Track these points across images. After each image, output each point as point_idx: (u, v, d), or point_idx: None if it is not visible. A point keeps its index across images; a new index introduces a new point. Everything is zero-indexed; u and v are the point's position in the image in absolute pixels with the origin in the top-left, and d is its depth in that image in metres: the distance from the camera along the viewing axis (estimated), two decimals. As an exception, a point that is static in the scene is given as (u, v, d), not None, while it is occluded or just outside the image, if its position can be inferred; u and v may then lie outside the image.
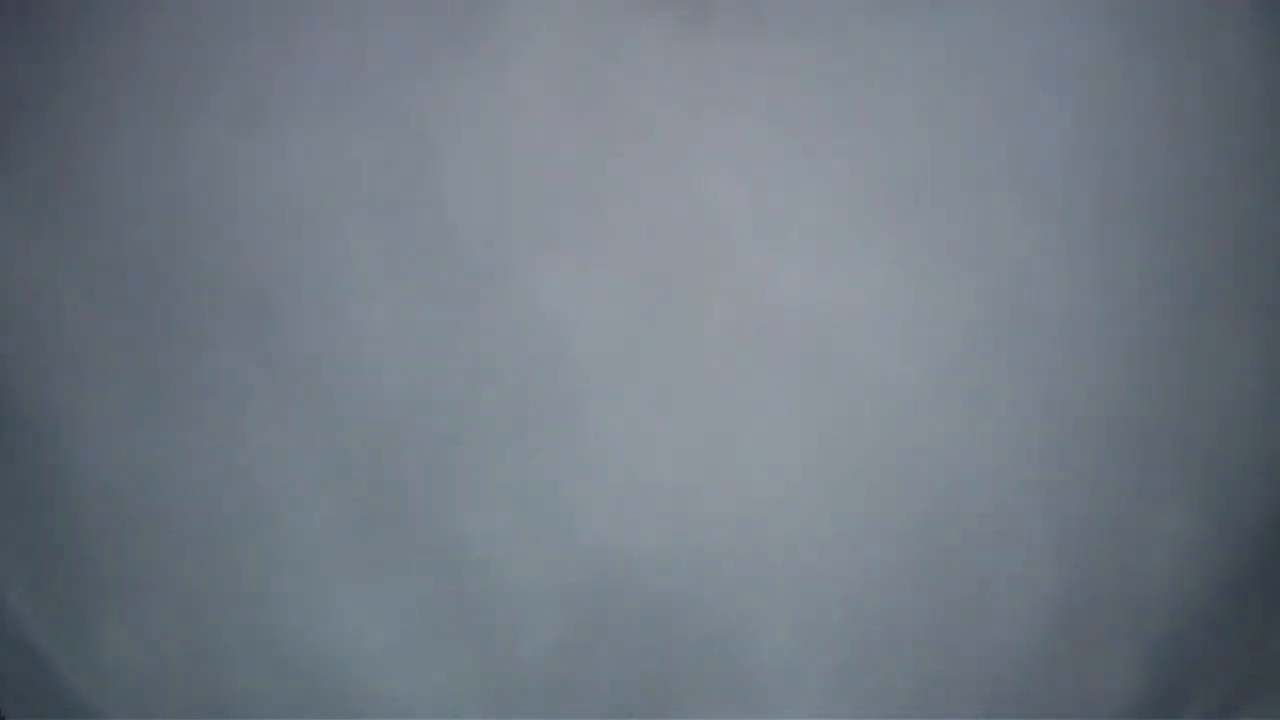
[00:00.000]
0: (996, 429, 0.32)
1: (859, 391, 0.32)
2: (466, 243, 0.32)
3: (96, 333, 0.33)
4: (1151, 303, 0.32)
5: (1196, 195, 0.33)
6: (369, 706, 0.32)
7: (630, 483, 0.32)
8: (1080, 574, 0.32)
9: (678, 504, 0.32)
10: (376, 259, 0.32)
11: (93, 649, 0.33)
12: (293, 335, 0.32)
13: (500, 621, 0.32)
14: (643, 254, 0.32)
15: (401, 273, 0.32)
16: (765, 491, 0.32)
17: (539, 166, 0.32)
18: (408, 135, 0.32)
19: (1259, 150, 0.33)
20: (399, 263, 0.32)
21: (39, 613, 0.33)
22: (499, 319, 0.32)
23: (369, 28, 0.33)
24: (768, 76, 0.32)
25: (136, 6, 0.33)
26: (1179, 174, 0.33)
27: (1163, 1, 0.33)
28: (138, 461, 0.33)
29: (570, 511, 0.32)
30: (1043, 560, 0.32)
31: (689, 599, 0.32)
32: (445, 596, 0.32)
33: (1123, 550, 0.32)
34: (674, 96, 0.32)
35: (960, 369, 0.32)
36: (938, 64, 0.32)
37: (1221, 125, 0.33)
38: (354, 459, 0.32)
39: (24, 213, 0.33)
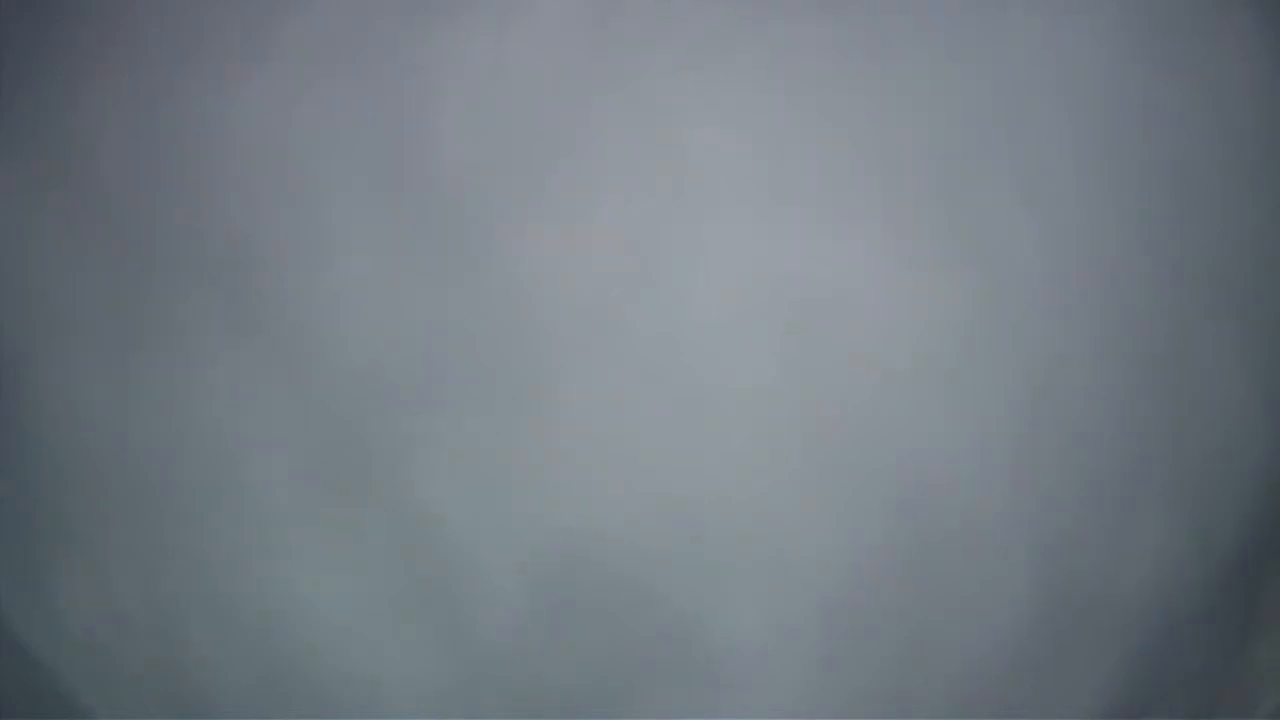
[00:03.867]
0: (981, 426, 0.32)
1: (843, 377, 0.31)
2: (453, 204, 0.32)
3: (71, 276, 0.33)
4: (1142, 308, 0.32)
5: (1190, 204, 0.33)
6: (324, 674, 0.32)
7: (603, 459, 0.31)
8: (1059, 576, 0.32)
9: (650, 483, 0.31)
10: (359, 217, 0.32)
11: (47, 603, 0.33)
12: (269, 290, 0.32)
13: (461, 595, 0.32)
14: (631, 223, 0.31)
15: (384, 233, 0.32)
16: (742, 476, 0.31)
17: (532, 130, 0.32)
18: (399, 93, 0.32)
19: (1255, 160, 0.33)
20: (382, 223, 0.32)
21: None
22: (480, 284, 0.31)
23: None
24: (768, 46, 0.32)
25: None
26: (1175, 180, 0.32)
27: (1166, 12, 0.33)
28: (103, 413, 0.32)
29: (540, 486, 0.31)
30: (1022, 560, 0.32)
31: (658, 582, 0.31)
32: (407, 566, 0.32)
33: (1102, 558, 0.32)
34: (673, 64, 0.32)
35: (947, 361, 0.31)
36: (943, 48, 0.32)
37: (1220, 136, 0.33)
38: (322, 422, 0.32)
39: (4, 153, 0.33)
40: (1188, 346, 0.32)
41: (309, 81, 0.32)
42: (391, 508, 0.32)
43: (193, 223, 0.32)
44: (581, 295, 0.31)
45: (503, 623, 0.32)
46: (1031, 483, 0.32)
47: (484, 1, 0.32)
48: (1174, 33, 0.33)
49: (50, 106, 0.33)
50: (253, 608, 0.32)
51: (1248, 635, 0.33)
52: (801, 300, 0.31)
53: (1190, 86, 0.33)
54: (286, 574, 0.32)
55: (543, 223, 0.31)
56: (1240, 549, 0.33)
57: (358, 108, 0.32)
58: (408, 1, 0.32)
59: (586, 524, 0.32)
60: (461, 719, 0.32)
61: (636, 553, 0.32)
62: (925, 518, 0.32)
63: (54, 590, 0.33)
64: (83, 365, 0.32)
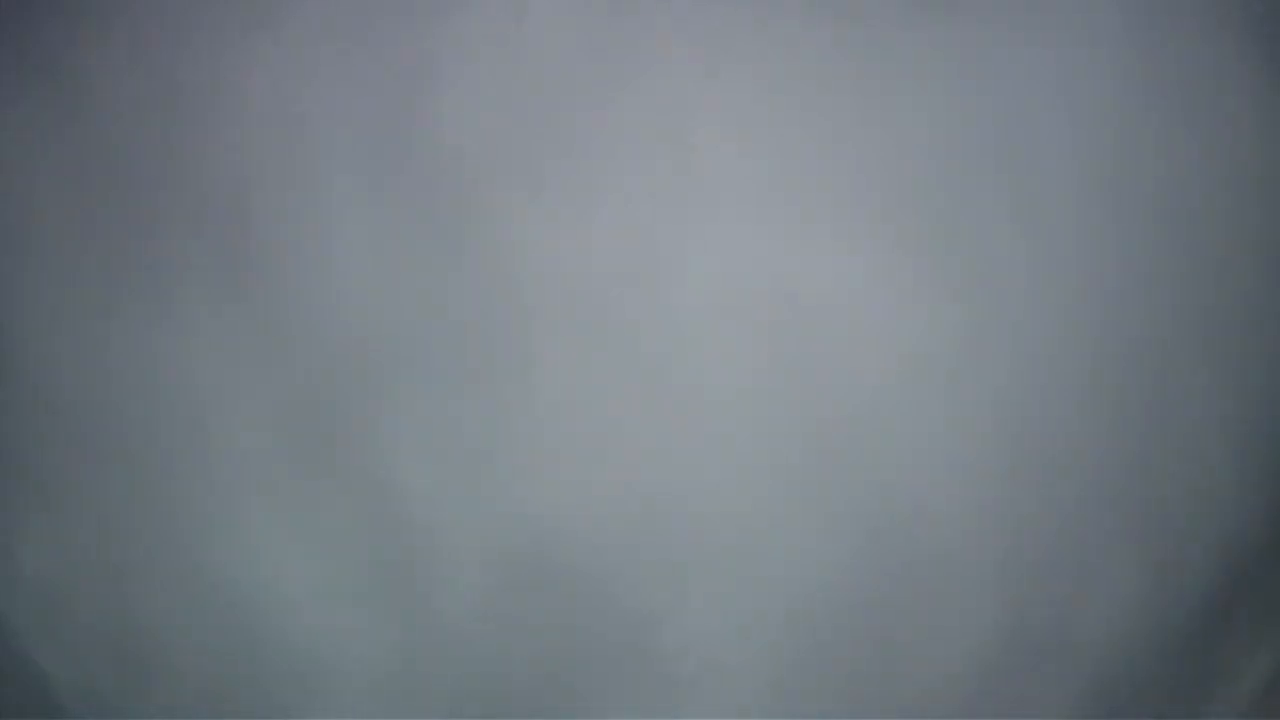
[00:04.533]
0: (961, 450, 0.32)
1: (825, 390, 0.31)
2: (452, 180, 0.31)
3: (60, 226, 0.32)
4: (1128, 346, 0.32)
5: (1179, 232, 0.32)
6: (276, 643, 0.32)
7: (577, 451, 0.31)
8: (1026, 606, 0.32)
9: (622, 479, 0.31)
10: (358, 185, 0.31)
11: (7, 556, 0.32)
12: (258, 258, 0.31)
13: (421, 574, 0.32)
14: (628, 212, 0.31)
15: (382, 204, 0.31)
16: (716, 477, 0.31)
17: (534, 119, 0.31)
18: (411, 66, 0.32)
19: (1252, 198, 0.33)
20: (381, 193, 0.31)
21: None
22: (471, 268, 0.31)
23: None
24: (781, 49, 0.32)
25: None
26: (1168, 211, 0.32)
27: (1164, 31, 0.33)
28: (76, 361, 0.32)
29: (511, 471, 0.31)
30: (990, 586, 0.32)
31: (620, 578, 0.31)
32: (369, 543, 0.32)
33: (1069, 591, 0.32)
34: (685, 58, 0.32)
35: (931, 382, 0.31)
36: (947, 65, 0.32)
37: (1218, 168, 0.33)
38: (297, 390, 0.31)
39: (16, 91, 0.33)
40: (1168, 389, 0.32)
41: (318, 55, 0.32)
42: (359, 483, 0.31)
43: (188, 184, 0.32)
44: (571, 286, 0.31)
45: (461, 607, 0.32)
46: (1005, 511, 0.32)
47: None
48: (1172, 54, 0.33)
49: (55, 55, 0.33)
50: (213, 573, 0.32)
51: (1208, 679, 0.33)
52: (789, 308, 0.31)
53: (1189, 118, 0.33)
54: (249, 540, 0.32)
55: (539, 212, 0.31)
56: (1205, 594, 0.33)
57: (364, 85, 0.32)
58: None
59: (555, 515, 0.31)
60: (409, 699, 0.32)
61: (601, 547, 0.31)
62: (898, 536, 0.31)
63: (12, 542, 0.32)
64: (61, 316, 0.32)
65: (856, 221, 0.31)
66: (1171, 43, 0.32)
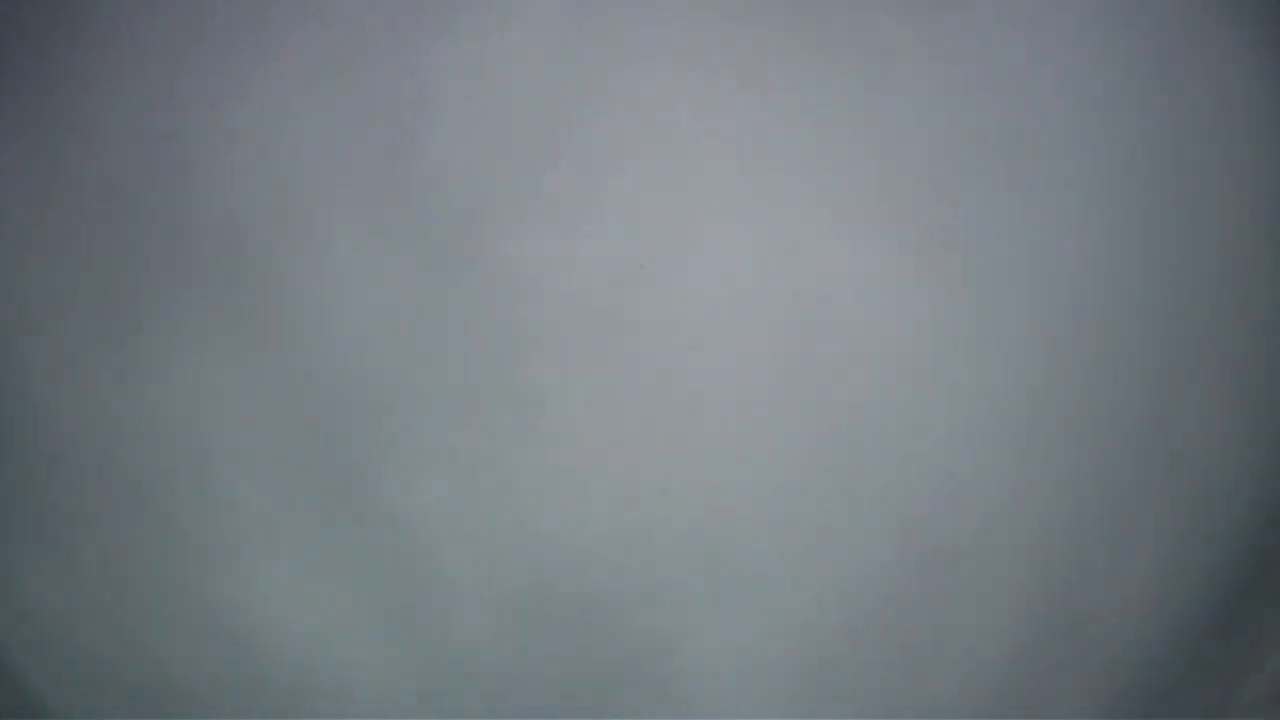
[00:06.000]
0: (973, 439, 0.31)
1: (838, 393, 0.31)
2: (449, 207, 0.31)
3: (63, 263, 0.32)
4: (1141, 331, 0.32)
5: (1190, 222, 0.32)
6: (287, 675, 0.32)
7: (586, 472, 0.31)
8: (1055, 594, 0.32)
9: (634, 499, 0.31)
10: (353, 217, 0.31)
11: (11, 589, 0.32)
12: (258, 288, 0.31)
13: (433, 605, 0.31)
14: (626, 227, 0.31)
15: (379, 230, 0.31)
16: (728, 495, 0.31)
17: (533, 129, 0.31)
18: (394, 95, 0.32)
19: (1255, 182, 0.33)
20: (378, 219, 0.31)
21: None
22: (471, 290, 0.31)
23: None
24: (769, 54, 0.31)
25: None
26: (1173, 194, 0.32)
27: (1165, 31, 0.32)
28: (86, 397, 0.32)
29: (521, 496, 0.31)
30: (1018, 578, 0.32)
31: (635, 602, 0.31)
32: (380, 574, 0.31)
33: (1096, 579, 0.32)
34: (676, 69, 0.31)
35: (946, 378, 0.31)
36: (943, 58, 0.32)
37: (1218, 154, 0.33)
38: (302, 421, 0.31)
39: (17, 125, 0.32)
40: (1185, 372, 0.32)
41: (307, 81, 0.32)
42: (365, 515, 0.31)
43: (186, 217, 0.32)
44: (571, 307, 0.31)
45: (471, 636, 0.31)
46: (1028, 500, 0.31)
47: (480, 3, 0.32)
48: (1174, 53, 0.33)
49: (53, 94, 0.32)
50: (219, 607, 0.32)
51: (1235, 666, 0.33)
52: (794, 311, 0.31)
53: (1193, 116, 0.33)
54: (255, 574, 0.32)
55: (540, 226, 0.31)
56: (1229, 580, 0.33)
57: (354, 109, 0.32)
58: (403, 3, 0.32)
59: (567, 540, 0.31)
60: None
61: (613, 569, 0.31)
62: (918, 538, 0.31)
63: (19, 577, 0.32)
64: (67, 354, 0.32)
65: (858, 217, 0.31)
66: (1172, 43, 0.32)
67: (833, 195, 0.31)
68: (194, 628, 0.32)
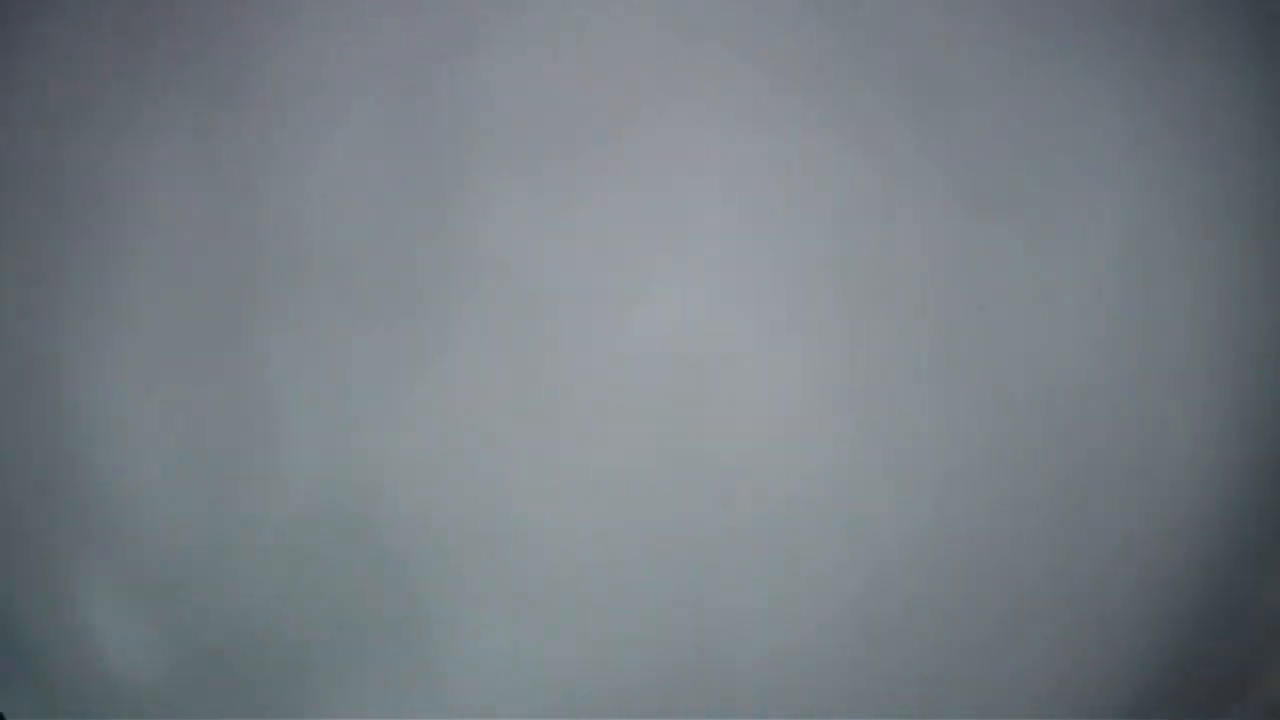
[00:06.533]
0: (874, 550, 0.32)
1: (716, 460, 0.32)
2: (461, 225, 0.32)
3: (147, 326, 0.33)
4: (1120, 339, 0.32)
5: (1179, 238, 0.32)
6: None
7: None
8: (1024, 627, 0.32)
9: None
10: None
11: (66, 611, 0.33)
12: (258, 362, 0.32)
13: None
14: (606, 233, 0.32)
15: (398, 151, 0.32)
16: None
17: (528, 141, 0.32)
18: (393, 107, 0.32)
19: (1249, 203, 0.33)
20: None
21: None
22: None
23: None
24: (753, 76, 0.32)
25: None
26: (1140, 236, 0.32)
27: (1172, 74, 0.33)
28: (132, 438, 0.32)
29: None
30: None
31: None
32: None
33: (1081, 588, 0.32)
34: (657, 97, 0.32)
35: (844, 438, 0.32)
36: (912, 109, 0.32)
37: (1219, 185, 0.33)
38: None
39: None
40: (1168, 389, 0.32)
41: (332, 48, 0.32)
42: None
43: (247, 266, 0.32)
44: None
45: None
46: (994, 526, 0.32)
47: (474, 11, 0.33)
48: (1174, 77, 0.33)
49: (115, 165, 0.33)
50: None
51: (1228, 680, 0.32)
52: (678, 374, 0.32)
53: (1193, 138, 0.33)
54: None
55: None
56: (1223, 594, 0.33)
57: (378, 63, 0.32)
58: (394, 21, 0.33)
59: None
60: None
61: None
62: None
63: (74, 599, 0.33)
64: (121, 380, 0.32)
65: (766, 291, 0.32)
66: (1174, 66, 0.32)
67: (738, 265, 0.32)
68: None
